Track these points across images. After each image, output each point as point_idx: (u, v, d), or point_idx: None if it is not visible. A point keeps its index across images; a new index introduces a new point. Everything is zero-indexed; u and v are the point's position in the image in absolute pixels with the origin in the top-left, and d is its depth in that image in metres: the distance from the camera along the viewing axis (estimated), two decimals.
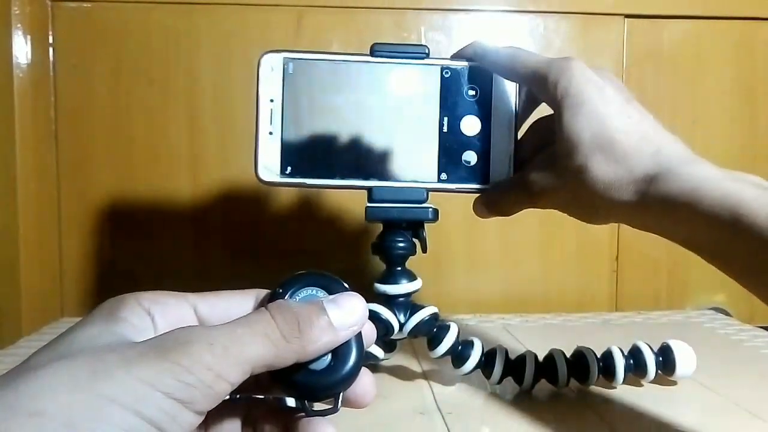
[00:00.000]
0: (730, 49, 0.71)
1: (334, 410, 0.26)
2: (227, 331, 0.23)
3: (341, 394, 0.26)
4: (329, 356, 0.25)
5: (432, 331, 0.43)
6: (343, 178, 0.41)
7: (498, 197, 0.42)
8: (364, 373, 0.26)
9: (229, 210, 0.67)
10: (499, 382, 0.44)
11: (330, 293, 0.27)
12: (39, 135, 0.63)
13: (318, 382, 0.25)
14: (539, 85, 0.37)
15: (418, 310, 0.43)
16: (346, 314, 0.25)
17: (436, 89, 0.41)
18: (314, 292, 0.27)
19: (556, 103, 0.36)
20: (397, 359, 0.49)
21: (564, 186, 0.37)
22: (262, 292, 0.27)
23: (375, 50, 0.40)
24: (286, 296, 0.26)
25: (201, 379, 0.21)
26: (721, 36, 0.71)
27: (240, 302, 0.27)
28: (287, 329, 0.24)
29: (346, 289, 0.27)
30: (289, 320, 0.24)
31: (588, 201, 0.36)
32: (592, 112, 0.34)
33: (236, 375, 0.22)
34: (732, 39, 0.71)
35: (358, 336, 0.26)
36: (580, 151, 0.35)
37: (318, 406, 0.26)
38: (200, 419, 0.22)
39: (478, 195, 0.42)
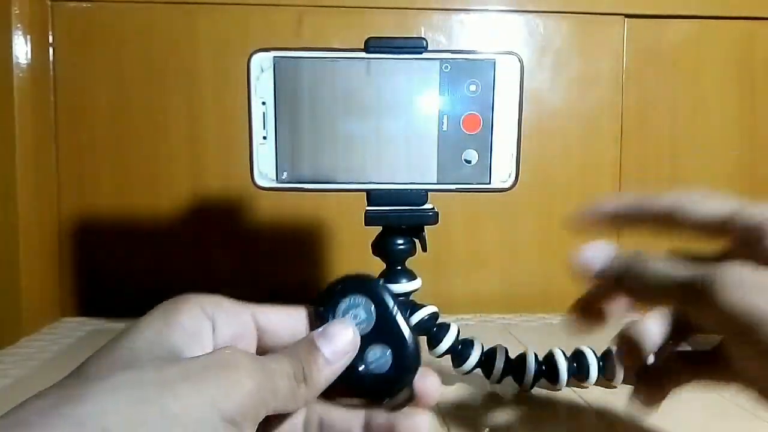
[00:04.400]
0: (730, 49, 0.71)
1: (410, 399, 0.27)
2: (271, 362, 0.24)
3: (413, 383, 0.27)
4: (389, 354, 0.27)
5: (432, 330, 0.43)
6: (340, 181, 0.40)
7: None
8: (428, 372, 0.27)
9: (229, 210, 0.67)
10: (499, 381, 0.44)
11: (370, 297, 0.27)
12: (39, 135, 0.63)
13: (389, 381, 0.27)
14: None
15: (418, 310, 0.43)
16: (338, 345, 0.26)
17: (435, 85, 0.40)
18: (355, 300, 0.28)
19: None
20: None
21: None
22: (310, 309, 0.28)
23: (370, 45, 0.39)
24: (329, 314, 0.27)
25: (251, 403, 0.22)
26: (721, 36, 0.71)
27: (293, 317, 0.28)
28: (298, 374, 0.24)
29: (385, 290, 0.28)
30: (296, 365, 0.25)
31: None
32: None
33: (264, 412, 0.23)
34: (732, 39, 0.71)
35: (406, 324, 0.27)
36: None
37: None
38: None
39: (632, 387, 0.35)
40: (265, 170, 0.40)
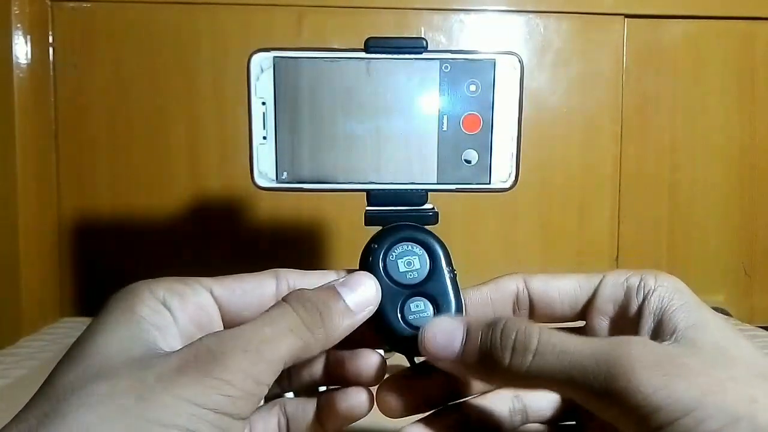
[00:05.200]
0: (730, 49, 0.71)
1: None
2: (256, 333, 0.22)
3: None
4: (431, 310, 0.26)
5: None
6: (340, 181, 0.40)
7: None
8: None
9: (229, 210, 0.67)
10: None
11: (427, 249, 0.28)
12: (39, 135, 0.63)
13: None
14: None
15: None
16: (360, 296, 0.26)
17: (435, 85, 0.40)
18: (411, 248, 0.27)
19: None
20: (396, 358, 0.49)
21: None
22: (280, 272, 0.27)
23: (370, 45, 0.39)
24: (380, 254, 0.27)
25: (243, 389, 0.21)
26: (721, 36, 0.71)
27: (259, 284, 0.27)
28: (310, 320, 0.24)
29: (445, 248, 0.28)
30: (311, 310, 0.24)
31: None
32: None
33: (271, 376, 0.22)
34: (732, 39, 0.71)
35: (456, 287, 0.27)
36: None
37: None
38: (247, 423, 0.22)
39: None
40: (265, 170, 0.40)
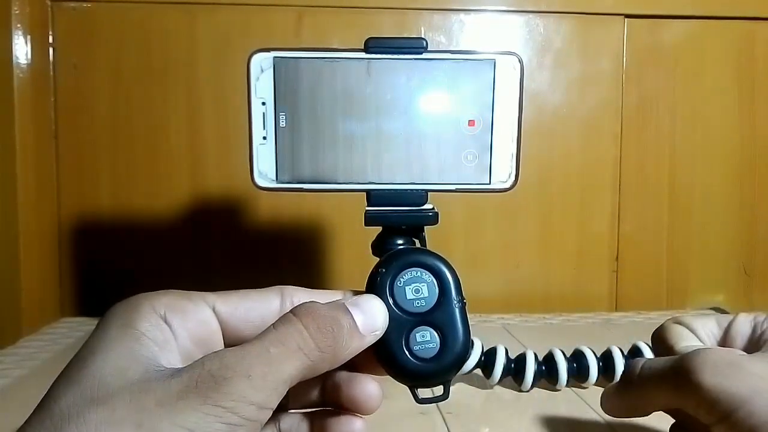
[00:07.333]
0: (730, 49, 0.71)
1: (444, 397, 0.26)
2: (261, 354, 0.22)
3: (451, 381, 0.26)
4: (437, 342, 0.25)
5: None
6: (340, 181, 0.40)
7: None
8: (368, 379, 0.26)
9: (229, 210, 0.67)
10: (499, 381, 0.44)
11: (438, 278, 0.26)
12: (39, 135, 0.63)
13: (429, 370, 0.25)
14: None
15: None
16: (369, 318, 0.25)
17: (435, 85, 0.40)
18: (421, 274, 0.27)
19: None
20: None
21: None
22: (286, 290, 0.26)
23: (370, 45, 0.39)
24: (388, 279, 0.26)
25: (245, 416, 0.20)
26: (721, 36, 0.71)
27: (263, 301, 0.26)
28: (321, 338, 0.23)
29: (456, 278, 0.27)
30: (323, 328, 0.23)
31: None
32: None
33: (276, 399, 0.22)
34: (732, 39, 0.71)
35: (464, 318, 0.26)
36: None
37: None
38: None
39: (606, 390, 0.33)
40: (265, 170, 0.40)
